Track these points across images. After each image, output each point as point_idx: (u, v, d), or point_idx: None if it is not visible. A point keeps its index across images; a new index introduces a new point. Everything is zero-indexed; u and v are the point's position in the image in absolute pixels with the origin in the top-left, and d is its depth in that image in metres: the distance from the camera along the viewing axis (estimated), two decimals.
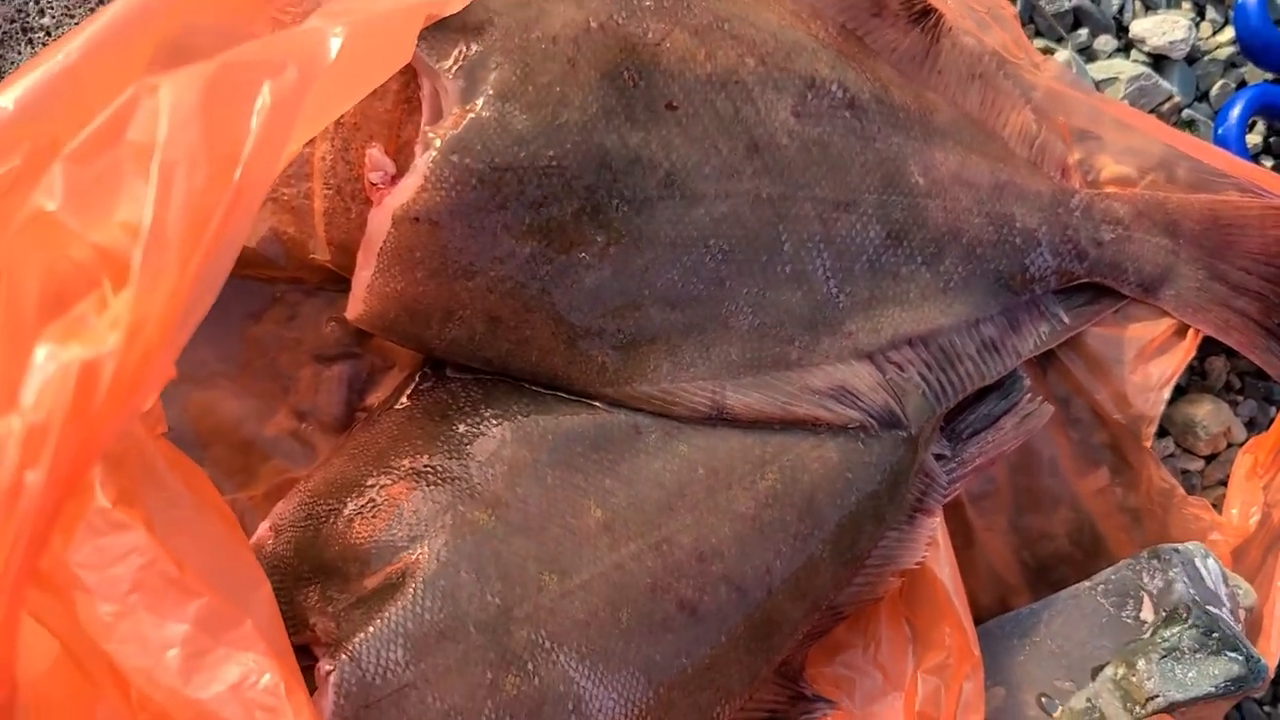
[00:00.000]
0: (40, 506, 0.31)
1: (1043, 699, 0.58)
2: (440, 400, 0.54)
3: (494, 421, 0.53)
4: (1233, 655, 0.55)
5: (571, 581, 0.50)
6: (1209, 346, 0.67)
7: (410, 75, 0.53)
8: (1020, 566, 0.66)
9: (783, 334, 0.56)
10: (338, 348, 0.57)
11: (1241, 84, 0.71)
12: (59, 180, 0.34)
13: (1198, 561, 0.59)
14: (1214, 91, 0.71)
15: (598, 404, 0.54)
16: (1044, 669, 0.59)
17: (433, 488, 0.50)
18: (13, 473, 0.31)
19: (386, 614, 0.47)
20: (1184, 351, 0.64)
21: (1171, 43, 0.70)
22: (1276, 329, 0.65)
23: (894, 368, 0.58)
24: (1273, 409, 0.69)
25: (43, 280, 0.33)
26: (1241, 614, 0.60)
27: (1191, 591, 0.57)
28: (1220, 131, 0.68)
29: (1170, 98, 0.69)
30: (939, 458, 0.59)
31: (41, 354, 0.31)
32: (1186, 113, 0.70)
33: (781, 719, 0.56)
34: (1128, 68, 0.69)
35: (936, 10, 0.60)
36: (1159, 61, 0.71)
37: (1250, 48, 0.69)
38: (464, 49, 0.50)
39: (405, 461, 0.52)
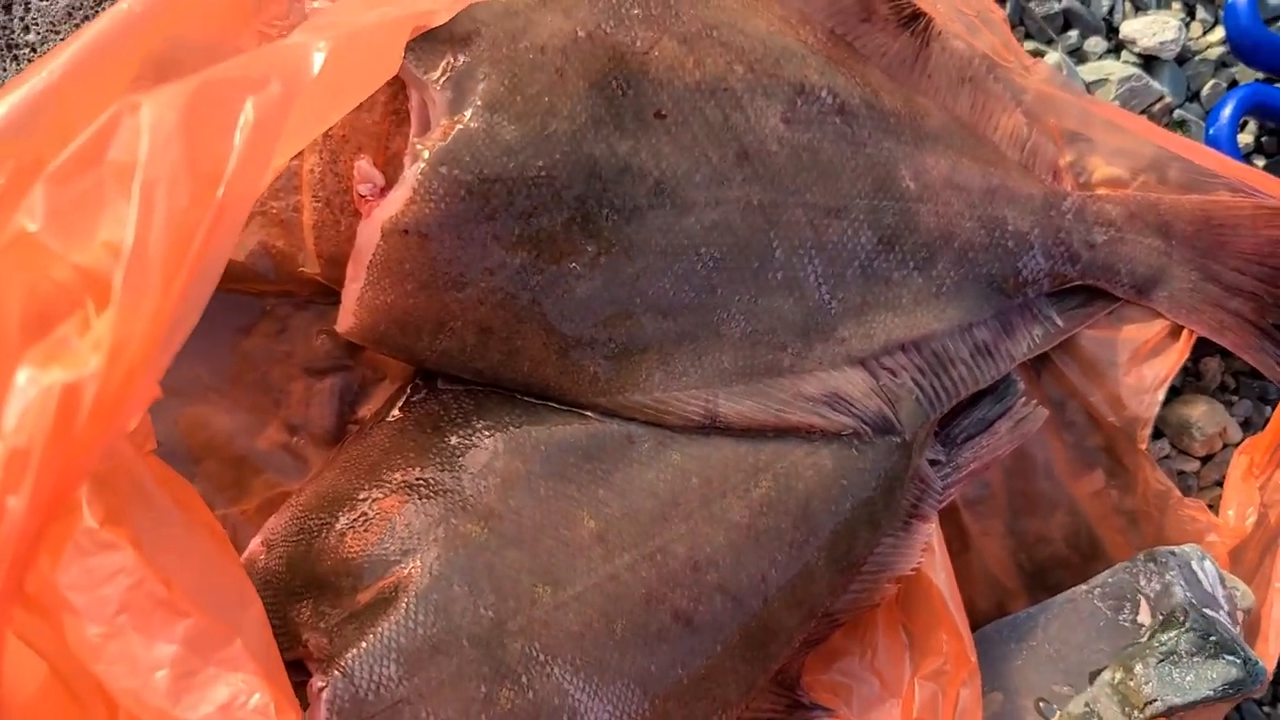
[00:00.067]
0: (22, 530, 0.30)
1: (1040, 704, 0.58)
2: (432, 412, 0.54)
3: (486, 433, 0.52)
4: (1230, 658, 0.55)
5: (565, 593, 0.50)
6: (1203, 347, 0.66)
7: (399, 87, 0.53)
8: (1017, 570, 0.65)
9: (775, 341, 0.55)
10: (329, 360, 0.57)
11: (1232, 84, 0.71)
12: (40, 201, 0.33)
13: (1194, 564, 0.58)
14: (1205, 92, 0.71)
15: (590, 414, 0.54)
16: (1041, 674, 0.59)
17: (425, 500, 0.50)
18: None
19: (379, 629, 0.47)
20: (1178, 353, 0.64)
21: (1162, 43, 0.70)
22: (1271, 329, 0.65)
23: (887, 373, 0.57)
24: (1268, 409, 0.68)
25: (24, 302, 0.33)
26: (1239, 616, 0.60)
27: (1188, 594, 0.57)
28: (1211, 132, 0.68)
29: (1161, 98, 0.69)
30: (933, 463, 0.59)
31: (23, 377, 0.30)
32: (1178, 113, 0.70)
33: None
34: (1118, 69, 0.69)
35: (926, 14, 0.60)
36: (1149, 62, 0.71)
37: (1241, 48, 0.68)
38: (451, 60, 0.50)
39: (397, 474, 0.51)
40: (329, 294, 0.55)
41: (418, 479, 0.51)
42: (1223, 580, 0.59)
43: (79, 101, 0.39)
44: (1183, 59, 0.71)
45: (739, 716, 0.55)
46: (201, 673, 0.37)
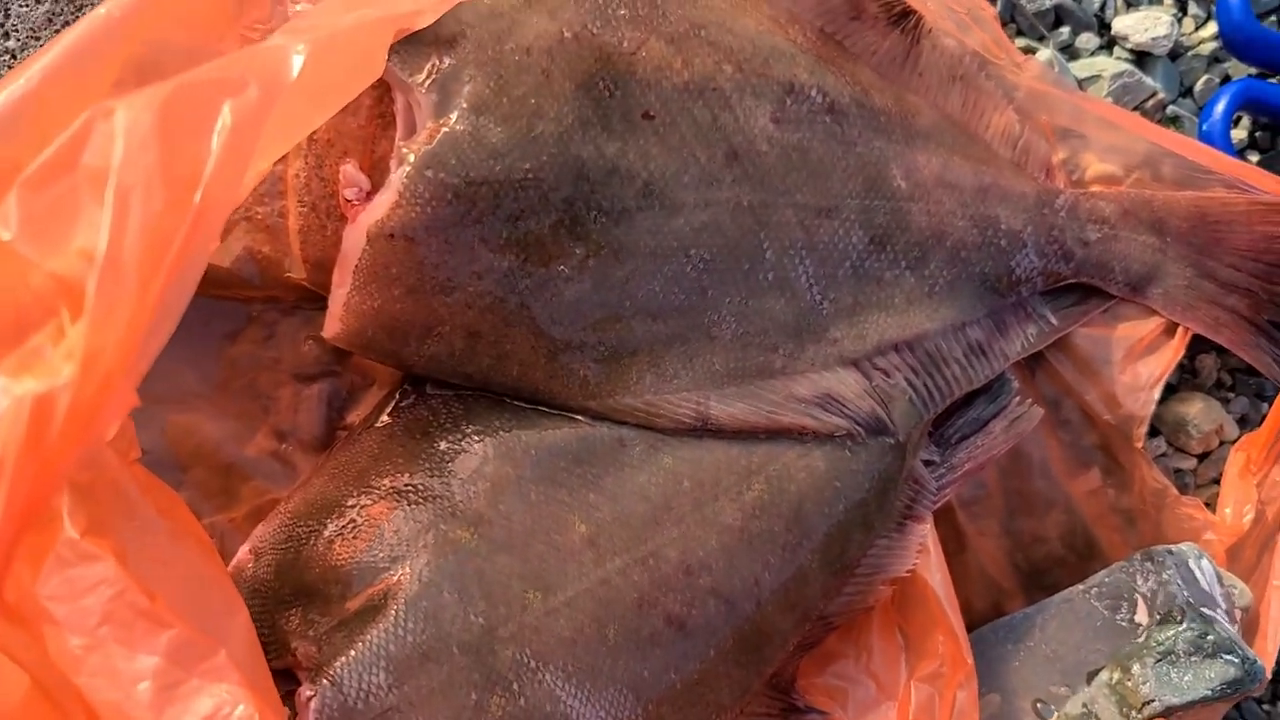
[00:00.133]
0: None
1: (1038, 705, 0.58)
2: (421, 417, 0.53)
3: (476, 438, 0.52)
4: (1228, 658, 0.54)
5: (556, 599, 0.49)
6: (1199, 344, 0.66)
7: (384, 90, 0.53)
8: (1014, 570, 0.65)
9: (766, 342, 0.55)
10: (317, 366, 0.57)
11: (1225, 79, 0.71)
12: (14, 208, 0.33)
13: (1191, 563, 0.58)
14: (1198, 87, 0.71)
15: (580, 418, 0.53)
16: (1039, 674, 0.58)
17: (414, 506, 0.50)
18: None
19: (368, 636, 0.47)
20: (1173, 350, 0.64)
21: (1154, 39, 0.70)
22: (1266, 325, 0.64)
23: (880, 374, 0.57)
24: (1265, 405, 0.68)
25: None
26: (1237, 614, 0.60)
27: (1185, 593, 0.57)
28: (1205, 127, 0.67)
29: (1154, 94, 0.69)
30: (928, 464, 0.59)
31: None
32: (1171, 109, 0.70)
33: None
34: (1110, 65, 0.69)
35: (916, 12, 0.60)
36: (1142, 58, 0.70)
37: (1233, 42, 0.68)
38: (436, 62, 0.49)
39: (386, 480, 0.51)
40: (316, 299, 0.54)
41: (407, 485, 0.51)
42: (1220, 579, 0.59)
43: (57, 107, 0.39)
44: (1175, 54, 0.71)
45: None
46: (184, 684, 0.36)
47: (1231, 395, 0.68)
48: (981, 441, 0.60)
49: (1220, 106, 0.67)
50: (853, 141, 0.57)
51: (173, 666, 0.36)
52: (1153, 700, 0.55)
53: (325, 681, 0.46)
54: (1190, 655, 0.55)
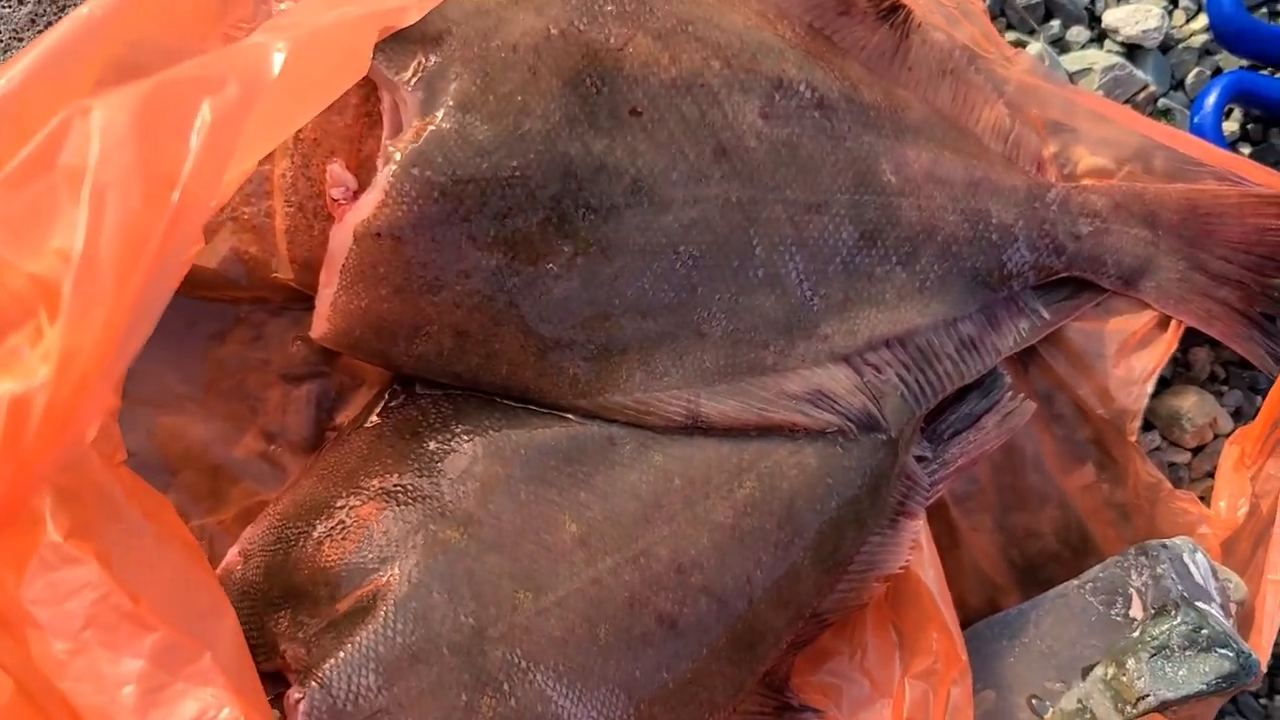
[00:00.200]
0: None
1: (1033, 701, 0.57)
2: (410, 417, 0.53)
3: (465, 438, 0.52)
4: (1223, 652, 0.54)
5: (547, 599, 0.49)
6: (1192, 337, 0.66)
7: (370, 89, 0.53)
8: (1008, 566, 0.65)
9: (757, 339, 0.55)
10: (305, 367, 0.56)
11: (1216, 71, 0.71)
12: None
13: (1186, 557, 0.58)
14: (1189, 80, 0.70)
15: (571, 416, 0.53)
16: (1034, 670, 0.58)
17: (403, 507, 0.50)
18: None
19: (357, 638, 0.46)
20: (1166, 343, 0.64)
21: (1145, 32, 0.69)
22: (1259, 318, 0.64)
23: (871, 370, 0.57)
24: (1258, 398, 0.68)
25: None
26: (1233, 608, 0.59)
27: (1180, 588, 0.56)
28: (1196, 120, 0.67)
29: (1145, 87, 0.69)
30: (920, 459, 0.59)
31: None
32: (1162, 102, 0.70)
33: None
34: (1101, 58, 0.68)
35: (905, 6, 0.60)
36: (1133, 51, 0.70)
37: (1224, 34, 0.68)
38: (423, 60, 0.49)
39: (375, 481, 0.51)
40: (304, 300, 0.54)
41: (396, 485, 0.50)
42: (1215, 572, 0.59)
43: (39, 108, 0.39)
44: (1166, 47, 0.71)
45: (727, 719, 0.54)
46: (169, 688, 0.36)
47: (1225, 388, 0.68)
48: (974, 437, 0.60)
49: (1211, 99, 0.67)
50: (842, 136, 0.57)
51: (157, 670, 0.36)
52: (1148, 695, 0.55)
53: (314, 683, 0.45)
54: (1185, 649, 0.55)
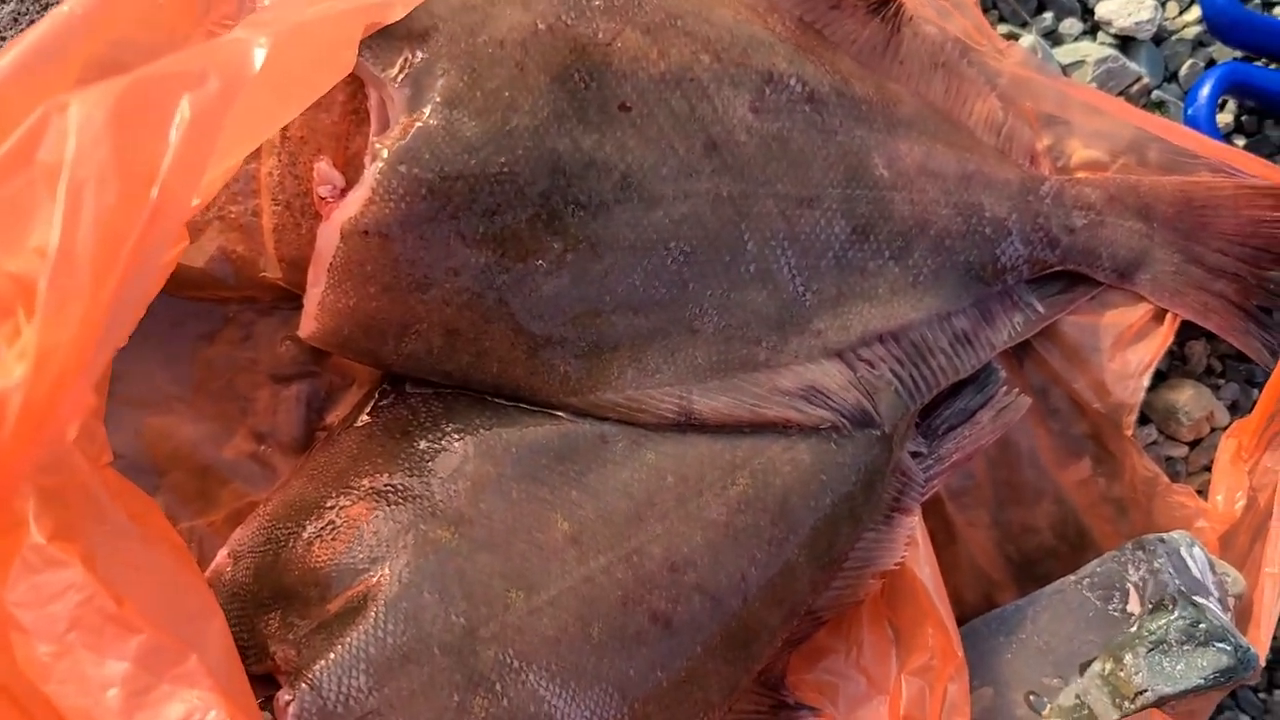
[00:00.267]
0: None
1: (1031, 697, 0.57)
2: (400, 417, 0.53)
3: (456, 436, 0.51)
4: (1221, 646, 0.54)
5: (539, 598, 0.48)
6: (1188, 331, 0.66)
7: (357, 85, 0.52)
8: (1005, 561, 0.64)
9: (749, 335, 0.54)
10: (295, 366, 0.56)
11: (1210, 63, 0.70)
12: None
13: (1183, 551, 0.58)
14: (1183, 72, 0.70)
15: (562, 414, 0.52)
16: (1031, 666, 0.58)
17: (394, 507, 0.49)
18: None
19: (348, 639, 0.46)
20: (1162, 337, 0.63)
21: (1138, 23, 0.69)
22: (1255, 310, 0.64)
23: (865, 365, 0.56)
24: (1255, 391, 0.67)
25: None
26: (1231, 602, 0.59)
27: (1177, 582, 0.56)
28: (1190, 112, 0.67)
29: (1139, 79, 0.68)
30: (915, 455, 0.58)
31: None
32: (1156, 94, 0.69)
33: None
34: (1094, 50, 0.68)
35: None
36: (1126, 43, 0.70)
37: (1218, 26, 0.68)
38: (409, 57, 0.49)
39: (365, 481, 0.50)
40: (293, 299, 0.54)
41: (386, 485, 0.50)
42: (1213, 566, 0.59)
43: (18, 105, 0.38)
44: (1159, 39, 0.70)
45: (722, 718, 0.54)
46: (155, 690, 0.35)
47: (1222, 381, 0.68)
48: (969, 432, 0.59)
49: (1205, 90, 0.67)
50: (833, 130, 0.56)
51: (142, 672, 0.35)
52: (1145, 690, 0.54)
53: (304, 685, 0.45)
54: (1182, 644, 0.54)
